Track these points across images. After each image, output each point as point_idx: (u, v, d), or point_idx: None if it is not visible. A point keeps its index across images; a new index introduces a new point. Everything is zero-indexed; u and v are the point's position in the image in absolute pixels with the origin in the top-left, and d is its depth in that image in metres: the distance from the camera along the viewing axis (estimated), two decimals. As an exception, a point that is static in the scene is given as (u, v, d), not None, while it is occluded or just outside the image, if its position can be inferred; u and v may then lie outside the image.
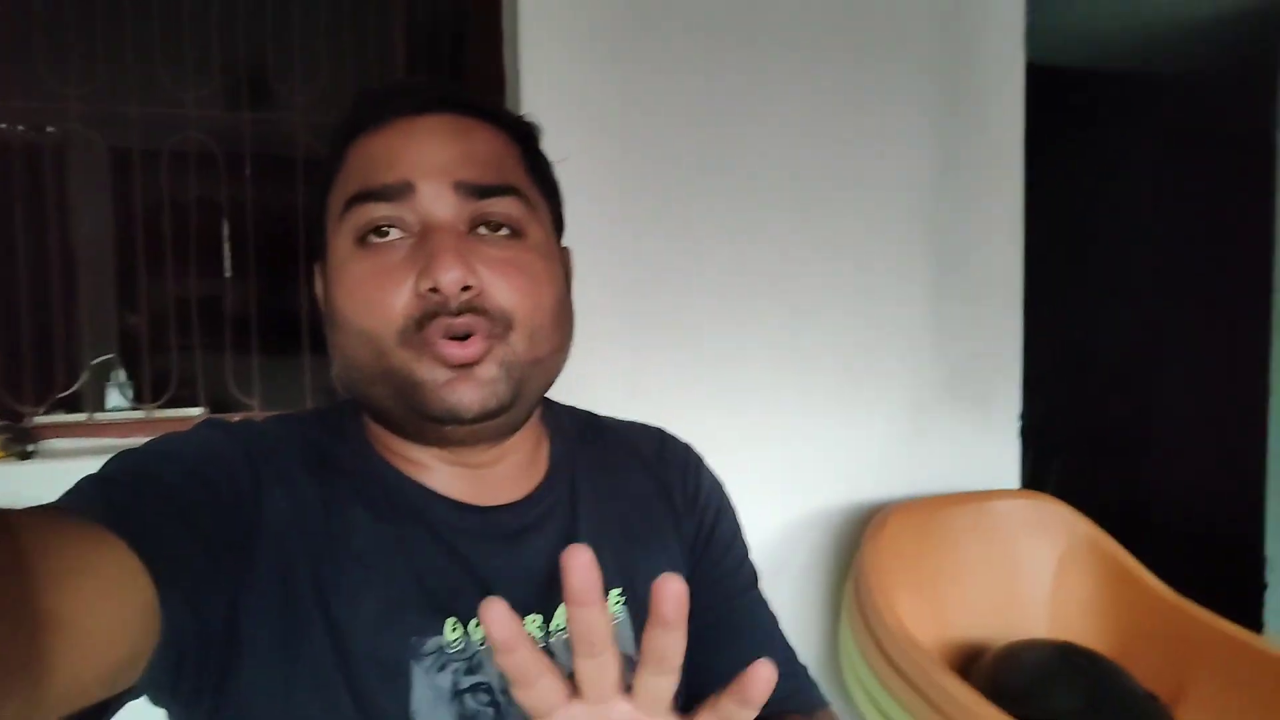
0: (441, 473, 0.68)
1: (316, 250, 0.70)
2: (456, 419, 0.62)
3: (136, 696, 0.53)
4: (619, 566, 0.71)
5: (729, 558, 0.82)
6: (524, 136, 0.72)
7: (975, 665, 1.63)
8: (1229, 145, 3.26)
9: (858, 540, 1.79)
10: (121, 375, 1.79)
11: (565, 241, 0.75)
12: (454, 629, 0.63)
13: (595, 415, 0.85)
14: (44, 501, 0.51)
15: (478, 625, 0.63)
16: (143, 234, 1.68)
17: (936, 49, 1.96)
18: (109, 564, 0.46)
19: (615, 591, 0.70)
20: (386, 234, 0.63)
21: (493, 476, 0.70)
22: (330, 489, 0.65)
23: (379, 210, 0.63)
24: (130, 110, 1.65)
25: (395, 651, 0.60)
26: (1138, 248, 3.68)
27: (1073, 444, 3.32)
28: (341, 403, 0.73)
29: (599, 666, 0.46)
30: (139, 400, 1.75)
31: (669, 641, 0.46)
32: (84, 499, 0.52)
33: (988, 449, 2.01)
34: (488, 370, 0.63)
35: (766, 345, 1.82)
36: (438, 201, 0.63)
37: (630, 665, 0.65)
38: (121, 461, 0.59)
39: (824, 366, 1.87)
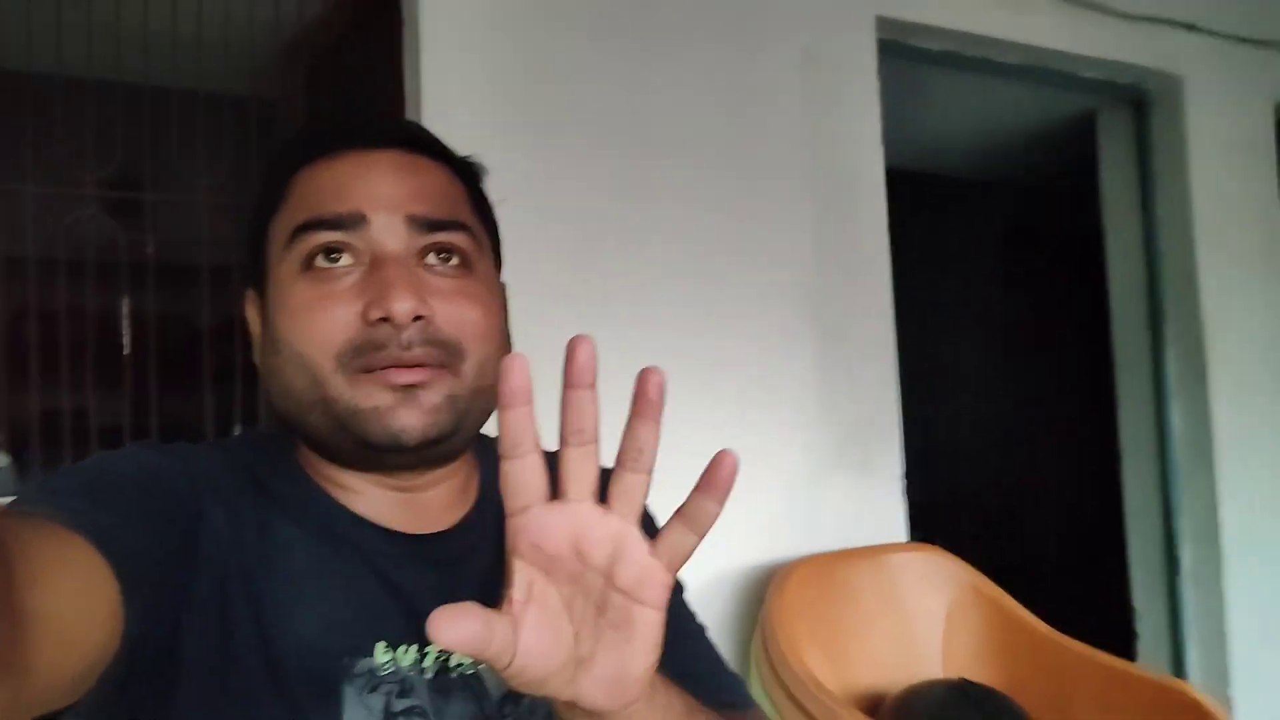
0: (374, 499, 0.68)
1: (250, 277, 0.71)
2: (398, 445, 0.63)
3: (74, 716, 0.51)
4: None
5: None
6: (469, 175, 0.75)
7: (878, 710, 1.69)
8: (1064, 242, 3.66)
9: (762, 597, 1.84)
10: (6, 459, 1.70)
11: None
12: (385, 652, 0.63)
13: None
14: None
15: (406, 650, 0.63)
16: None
17: (810, 153, 2.17)
18: (80, 564, 0.47)
19: None
20: (336, 259, 0.64)
21: (425, 502, 0.70)
22: (265, 511, 0.65)
23: (330, 237, 0.64)
24: (26, 188, 1.65)
25: (327, 670, 0.60)
26: (991, 329, 4.01)
27: (950, 516, 3.52)
28: (273, 430, 0.74)
29: (584, 456, 0.49)
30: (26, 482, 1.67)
31: (647, 434, 0.49)
32: (44, 504, 0.51)
33: (877, 508, 2.13)
34: (431, 397, 0.64)
35: (667, 413, 1.90)
36: (389, 234, 0.64)
37: None
38: (65, 478, 0.59)
39: (721, 434, 1.96)
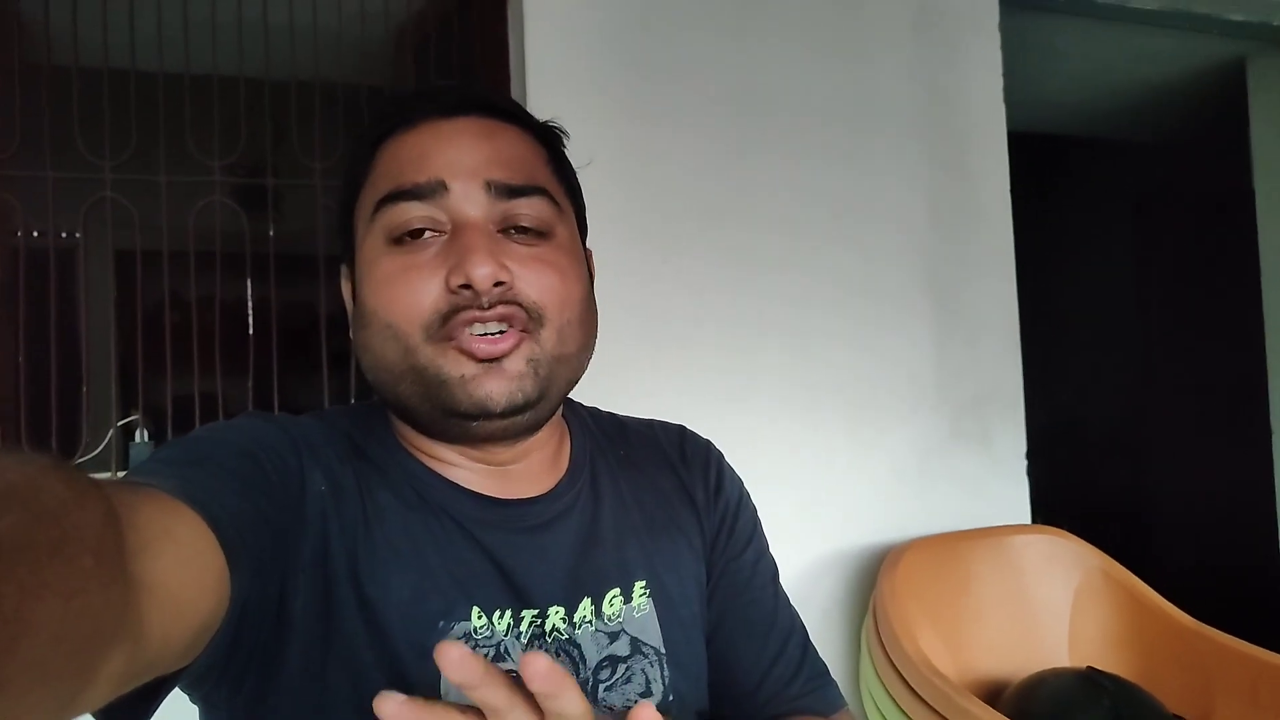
0: (465, 469, 0.69)
1: (343, 253, 0.72)
2: (485, 413, 0.63)
3: (183, 682, 0.54)
4: (644, 559, 0.73)
5: (749, 551, 0.83)
6: (549, 140, 0.74)
7: (998, 700, 1.62)
8: (1203, 204, 3.39)
9: (873, 580, 1.79)
10: (145, 435, 1.82)
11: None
12: (479, 617, 0.64)
13: (616, 415, 0.87)
14: None
15: (501, 616, 0.64)
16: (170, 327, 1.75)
17: (926, 112, 2.07)
18: (188, 534, 0.48)
19: (640, 584, 0.71)
20: (421, 234, 0.65)
21: (515, 474, 0.71)
22: (364, 476, 0.66)
23: (412, 210, 0.64)
24: (159, 180, 1.74)
25: (424, 635, 0.61)
26: (1128, 300, 3.76)
27: (1079, 495, 3.33)
28: (370, 401, 0.75)
29: None
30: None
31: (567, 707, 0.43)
32: (154, 476, 0.53)
33: (997, 486, 2.04)
34: (516, 364, 0.64)
35: (774, 387, 1.87)
36: (468, 200, 0.65)
37: (657, 657, 0.67)
38: (176, 447, 0.60)
39: (832, 408, 1.91)
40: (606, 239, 1.73)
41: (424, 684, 0.60)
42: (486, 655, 0.62)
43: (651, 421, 0.88)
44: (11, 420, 1.59)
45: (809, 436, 1.88)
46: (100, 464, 1.73)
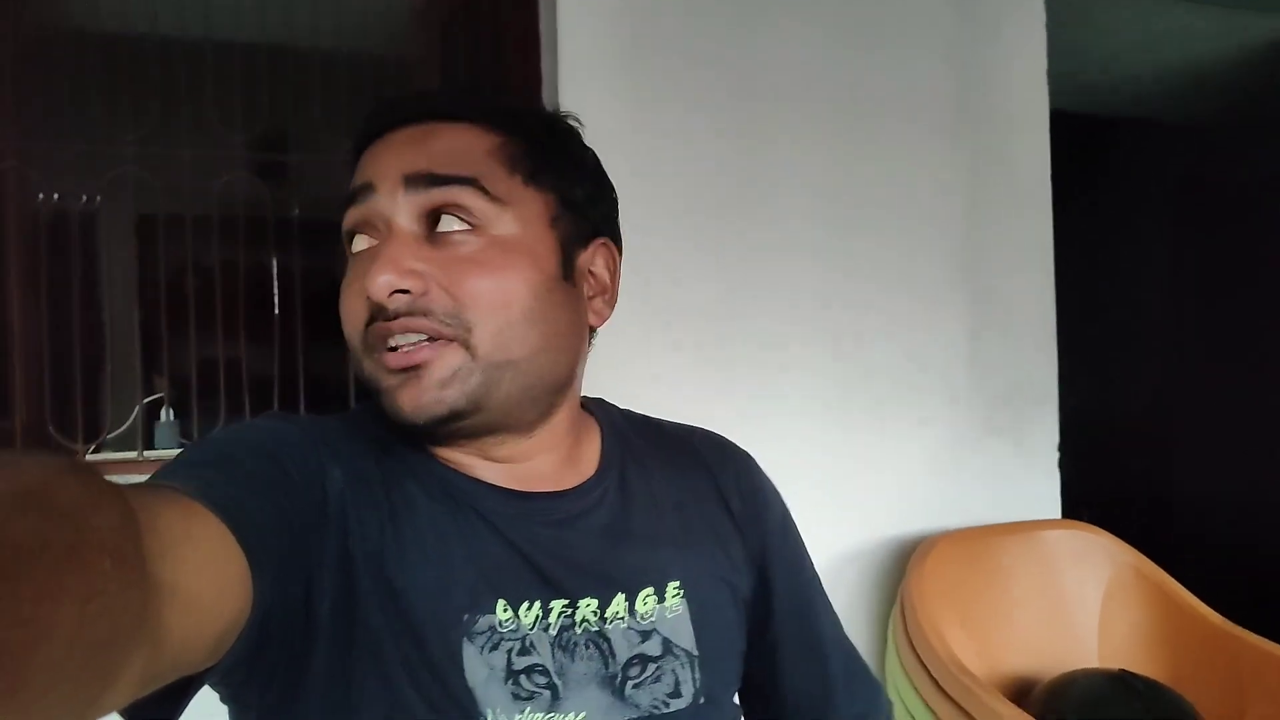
0: (482, 466, 0.68)
1: None
2: (410, 424, 0.62)
3: (211, 680, 0.53)
4: (679, 561, 0.71)
5: (801, 573, 0.82)
6: (514, 130, 0.68)
7: (1027, 698, 1.60)
8: (1250, 189, 3.30)
9: (901, 572, 1.77)
10: (170, 415, 1.81)
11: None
12: (505, 610, 0.63)
13: (651, 418, 0.86)
14: None
15: (529, 608, 0.63)
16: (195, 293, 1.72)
17: (962, 93, 2.01)
18: (208, 537, 0.48)
19: (674, 584, 0.70)
20: (364, 238, 0.65)
21: (531, 470, 0.69)
22: (389, 471, 0.65)
23: (351, 215, 0.65)
24: (182, 153, 1.71)
25: (449, 627, 0.61)
26: (1162, 290, 3.69)
27: (1105, 485, 3.29)
28: (370, 408, 0.73)
29: None
30: (187, 439, 1.77)
31: None
32: (175, 478, 0.52)
33: (1028, 481, 2.01)
34: (434, 373, 0.61)
35: (805, 376, 1.83)
36: (389, 198, 0.63)
37: (689, 659, 0.65)
38: (198, 449, 0.60)
39: (863, 398, 1.88)
40: (645, 235, 1.70)
41: (453, 675, 0.60)
42: (512, 647, 0.62)
43: (690, 427, 0.86)
44: (35, 399, 1.58)
45: (838, 429, 1.85)
46: (124, 443, 1.72)
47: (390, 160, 0.64)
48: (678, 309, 1.76)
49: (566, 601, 0.65)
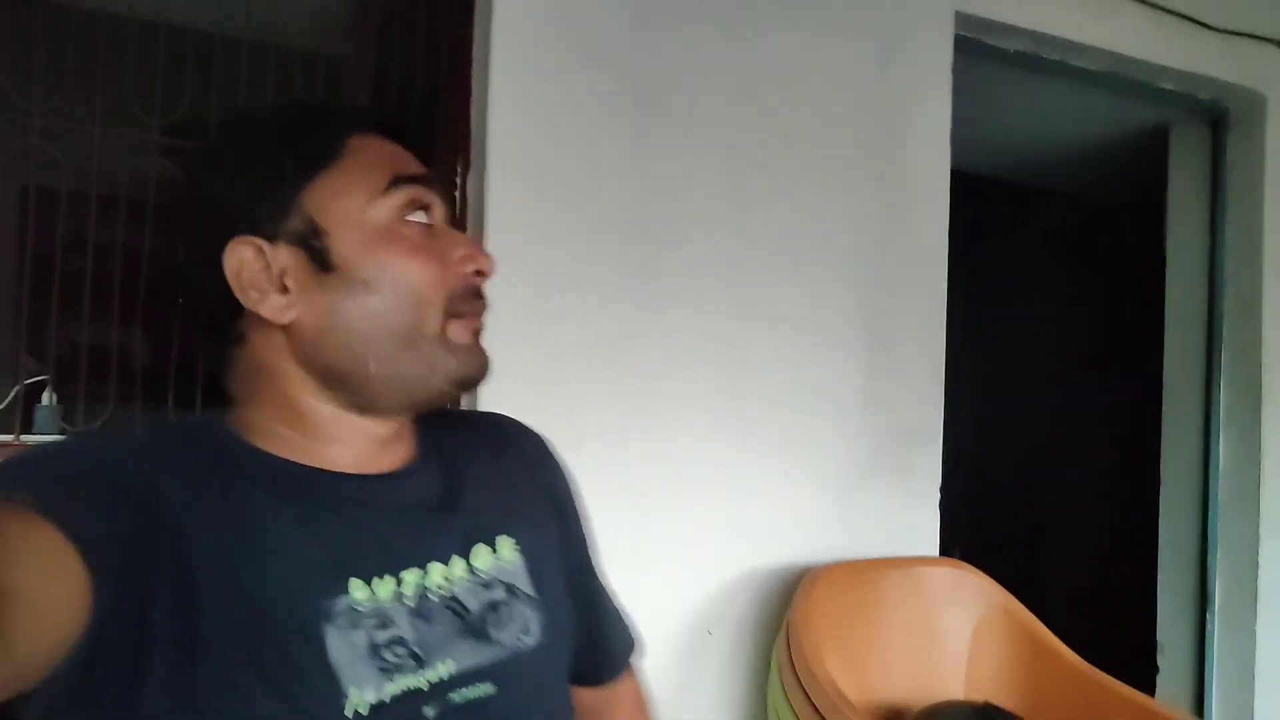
0: (343, 449, 0.72)
1: (254, 229, 0.69)
2: (474, 381, 0.74)
3: (28, 711, 0.52)
4: (508, 520, 0.78)
5: (588, 529, 0.91)
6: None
7: (898, 725, 1.68)
8: (1124, 257, 3.57)
9: (788, 600, 1.83)
10: (53, 398, 1.73)
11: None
12: (361, 588, 0.65)
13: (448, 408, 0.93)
14: None
15: (382, 583, 0.66)
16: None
17: (875, 148, 2.12)
18: (48, 546, 0.49)
19: (507, 539, 0.76)
20: (428, 210, 0.73)
21: (387, 450, 0.75)
22: (223, 476, 0.66)
23: (426, 194, 0.73)
24: (93, 130, 1.65)
25: (307, 614, 0.62)
26: (1039, 342, 3.94)
27: (977, 523, 3.48)
28: (192, 418, 0.76)
29: None
30: (70, 425, 1.70)
31: None
32: (12, 489, 0.53)
33: (911, 517, 2.11)
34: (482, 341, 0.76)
35: (709, 406, 1.89)
36: (432, 191, 0.74)
37: (531, 602, 0.75)
38: (27, 464, 0.60)
39: (762, 430, 1.94)
40: (544, 246, 1.73)
41: (315, 662, 0.61)
42: (370, 624, 0.64)
43: (491, 412, 0.94)
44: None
45: (740, 454, 1.91)
46: (4, 424, 1.64)
47: (414, 161, 0.74)
48: (585, 327, 1.79)
49: (417, 570, 0.69)
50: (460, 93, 1.78)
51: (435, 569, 0.70)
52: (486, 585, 0.73)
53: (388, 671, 0.63)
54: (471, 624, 0.70)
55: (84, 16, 1.62)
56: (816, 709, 1.57)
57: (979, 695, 1.74)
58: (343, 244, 0.69)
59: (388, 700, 0.62)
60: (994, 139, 3.13)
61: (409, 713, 0.63)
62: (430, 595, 0.69)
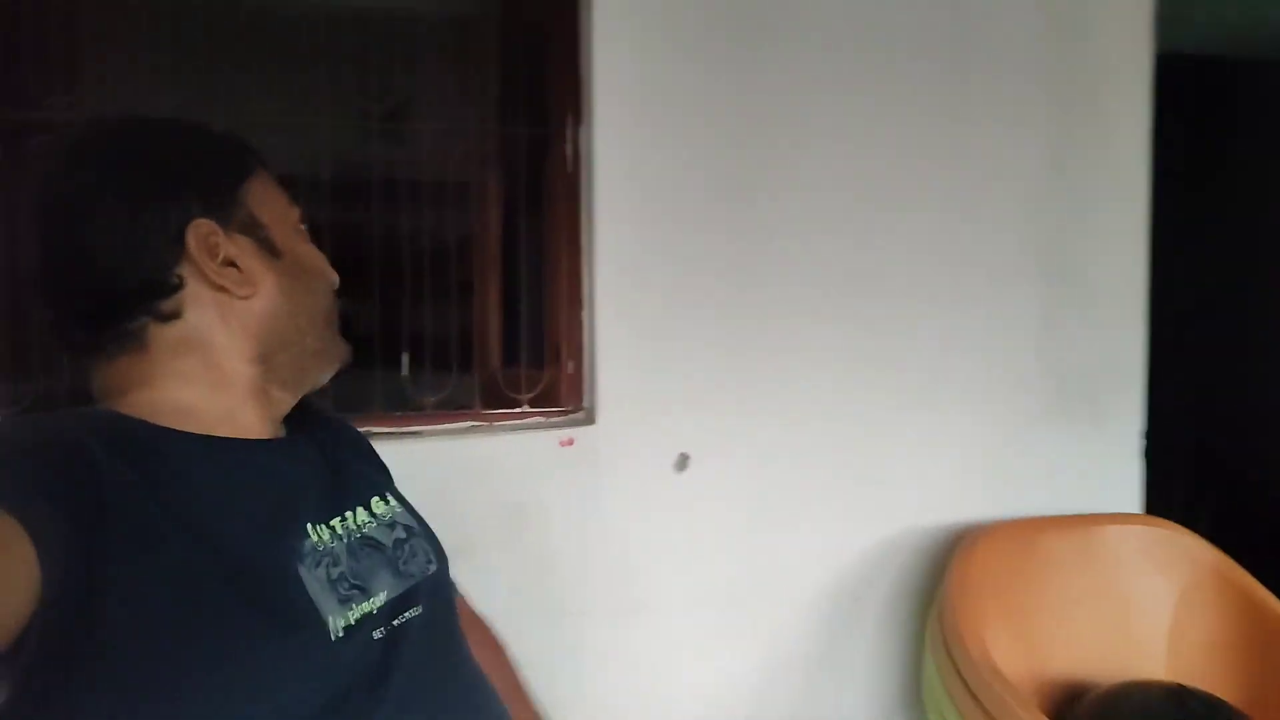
0: (256, 420, 0.79)
1: (209, 212, 0.77)
2: (344, 365, 0.88)
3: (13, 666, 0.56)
4: (378, 478, 0.92)
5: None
6: None
7: (1073, 708, 1.46)
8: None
9: (945, 565, 1.65)
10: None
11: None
12: (312, 532, 0.75)
13: None
14: None
15: (325, 528, 0.76)
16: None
17: (1046, 39, 1.82)
18: None
19: (388, 493, 0.89)
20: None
21: (277, 424, 0.83)
22: (152, 450, 0.69)
23: (297, 211, 0.86)
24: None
25: (281, 558, 0.70)
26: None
27: (1199, 474, 2.98)
28: (77, 409, 0.74)
29: None
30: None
31: None
32: None
33: (1103, 469, 1.83)
34: None
35: (848, 352, 1.71)
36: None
37: (423, 534, 0.88)
38: None
39: (910, 377, 1.75)
40: (686, 211, 1.61)
41: (299, 596, 0.69)
42: (326, 561, 0.73)
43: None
44: None
45: (885, 407, 1.73)
46: None
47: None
48: (722, 293, 1.66)
49: (341, 518, 0.79)
50: (569, 39, 1.70)
51: (353, 515, 0.81)
52: (390, 526, 0.85)
53: (345, 602, 0.72)
54: (390, 558, 0.81)
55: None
56: (968, 687, 1.40)
57: (1182, 676, 1.48)
58: (280, 236, 0.82)
59: (352, 624, 0.71)
60: (1211, 11, 2.60)
61: (365, 636, 0.73)
62: (356, 536, 0.79)
